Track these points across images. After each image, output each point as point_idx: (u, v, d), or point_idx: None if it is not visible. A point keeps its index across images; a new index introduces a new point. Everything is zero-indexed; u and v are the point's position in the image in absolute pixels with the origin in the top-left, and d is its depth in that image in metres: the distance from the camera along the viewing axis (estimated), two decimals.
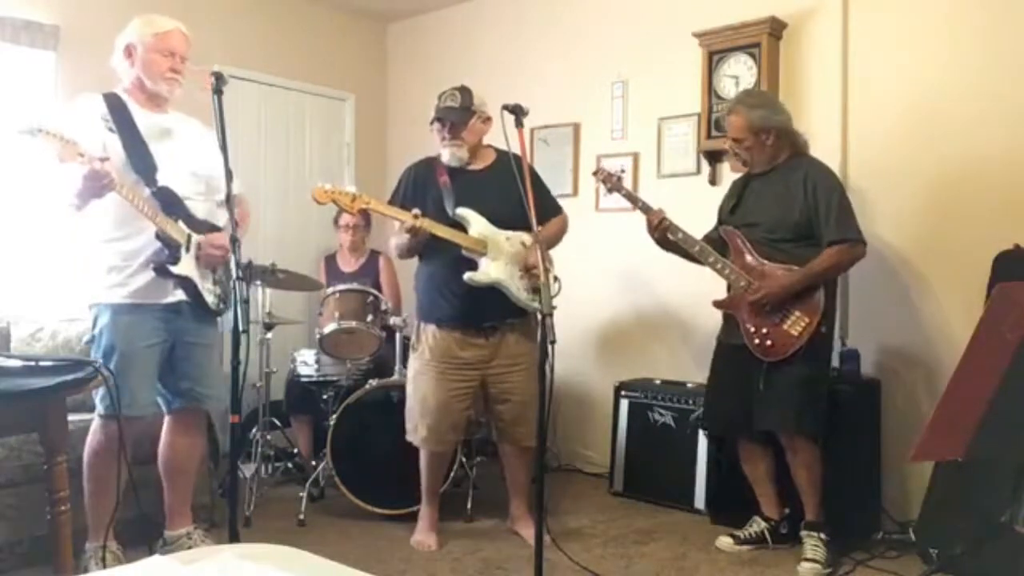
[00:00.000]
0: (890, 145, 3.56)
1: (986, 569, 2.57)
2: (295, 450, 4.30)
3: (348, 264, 4.61)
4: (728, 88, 3.84)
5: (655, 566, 3.12)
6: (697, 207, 3.53)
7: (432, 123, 3.30)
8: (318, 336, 3.84)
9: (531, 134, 4.57)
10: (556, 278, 3.33)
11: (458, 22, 5.17)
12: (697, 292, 3.43)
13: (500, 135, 2.70)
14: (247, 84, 4.76)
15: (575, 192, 4.55)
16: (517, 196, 2.66)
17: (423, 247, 3.26)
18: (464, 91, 3.27)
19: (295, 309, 4.69)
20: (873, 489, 3.44)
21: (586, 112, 4.57)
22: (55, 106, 3.89)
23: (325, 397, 3.94)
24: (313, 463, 4.01)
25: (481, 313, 3.21)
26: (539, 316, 2.51)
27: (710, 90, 3.91)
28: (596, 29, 4.52)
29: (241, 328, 2.41)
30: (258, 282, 3.79)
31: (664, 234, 3.24)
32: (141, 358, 2.71)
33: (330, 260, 4.67)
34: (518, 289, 3.19)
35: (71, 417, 2.32)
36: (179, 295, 2.78)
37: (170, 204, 2.73)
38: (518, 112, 2.71)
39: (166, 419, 2.93)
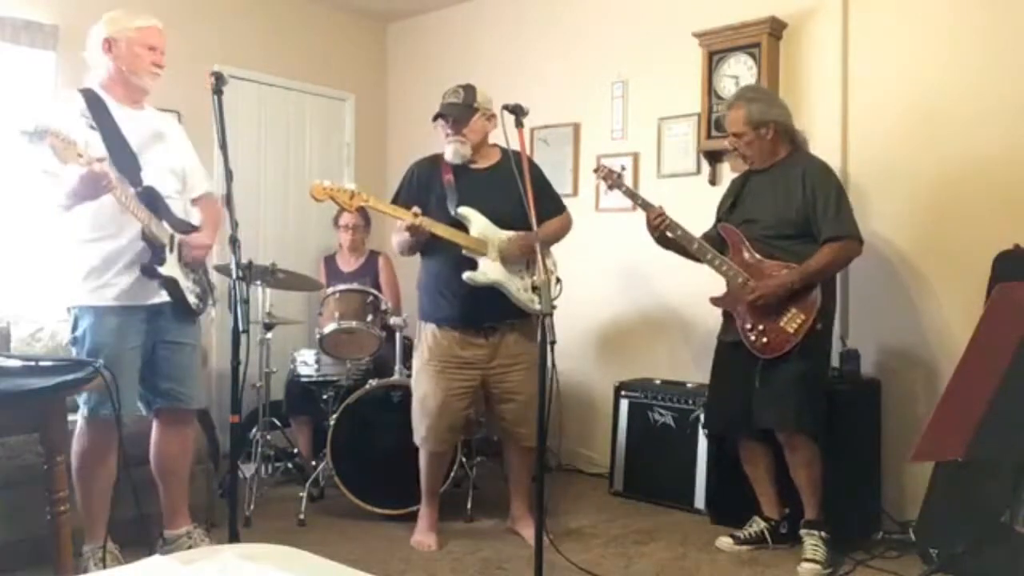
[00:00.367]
0: (890, 145, 3.56)
1: (986, 569, 2.57)
2: (295, 450, 4.30)
3: (348, 264, 4.61)
4: (728, 88, 3.84)
5: (655, 566, 3.12)
6: (697, 207, 3.53)
7: (435, 119, 3.29)
8: (318, 336, 3.84)
9: (531, 134, 4.57)
10: (558, 279, 3.34)
11: (458, 22, 5.17)
12: (697, 292, 3.43)
13: (501, 135, 2.70)
14: (247, 84, 4.76)
15: (575, 192, 4.55)
16: (519, 197, 2.66)
17: (425, 246, 3.26)
18: (468, 88, 3.26)
19: (295, 309, 4.69)
20: (873, 489, 3.44)
21: (586, 112, 4.57)
22: (38, 104, 3.87)
23: (325, 397, 3.94)
24: (313, 463, 4.01)
25: (481, 313, 3.21)
26: (539, 317, 2.51)
27: (710, 90, 3.91)
28: (596, 29, 4.52)
29: (241, 328, 2.41)
30: (258, 282, 3.79)
31: (663, 231, 3.24)
32: (126, 360, 2.67)
33: (330, 260, 4.67)
34: (517, 289, 3.19)
35: (71, 417, 2.32)
36: (163, 296, 2.75)
37: (154, 203, 2.70)
38: (518, 112, 2.72)
39: (154, 422, 2.91)
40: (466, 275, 3.10)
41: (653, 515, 3.73)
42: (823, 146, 3.45)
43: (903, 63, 3.53)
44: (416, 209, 3.09)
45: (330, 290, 3.92)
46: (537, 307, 3.09)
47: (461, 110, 3.22)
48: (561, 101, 4.58)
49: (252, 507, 3.57)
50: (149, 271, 2.68)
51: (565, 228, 3.43)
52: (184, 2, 4.48)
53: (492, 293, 3.15)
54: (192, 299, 2.83)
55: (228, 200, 2.52)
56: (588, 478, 4.33)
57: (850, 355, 3.43)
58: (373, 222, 4.63)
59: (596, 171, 3.54)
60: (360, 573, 1.49)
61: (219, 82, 2.54)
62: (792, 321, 3.02)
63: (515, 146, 2.75)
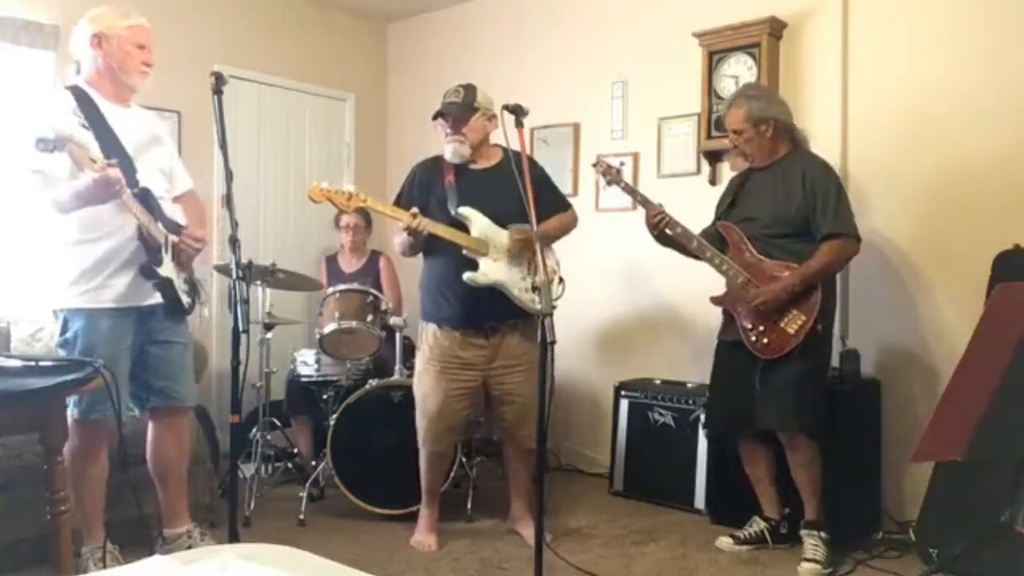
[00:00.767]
0: (890, 145, 3.56)
1: (986, 569, 2.57)
2: (295, 450, 4.30)
3: (349, 264, 4.61)
4: (728, 88, 3.84)
5: (655, 566, 3.12)
6: (697, 207, 3.53)
7: (435, 118, 3.29)
8: (318, 336, 3.84)
9: (531, 134, 4.57)
10: (561, 280, 3.34)
11: (458, 22, 5.17)
12: (697, 291, 3.43)
13: (501, 135, 2.70)
14: (247, 84, 4.76)
15: (575, 192, 4.55)
16: (520, 196, 2.66)
17: (427, 246, 3.26)
18: (469, 88, 3.26)
19: (295, 309, 4.69)
20: (873, 489, 3.45)
21: (586, 112, 4.57)
22: (29, 104, 3.86)
23: (325, 397, 3.94)
24: (313, 463, 4.01)
25: (482, 314, 3.21)
26: (539, 317, 2.51)
27: (710, 90, 3.91)
28: (596, 29, 4.52)
29: (241, 328, 2.40)
30: (258, 282, 3.79)
31: (662, 229, 3.24)
32: (117, 362, 2.64)
33: (331, 260, 4.68)
34: (519, 290, 3.18)
35: None
36: (156, 297, 2.74)
37: (149, 204, 2.69)
38: (518, 112, 2.71)
39: (150, 422, 2.90)
40: (466, 276, 3.10)
41: (653, 515, 3.73)
42: (823, 146, 3.45)
43: (903, 63, 3.53)
44: (414, 210, 3.09)
45: (330, 290, 3.92)
46: (538, 307, 3.09)
47: (461, 109, 3.22)
48: (561, 101, 4.58)
49: (252, 507, 3.57)
50: (148, 272, 2.67)
51: (568, 225, 3.42)
52: (184, 2, 4.48)
53: (493, 293, 3.15)
54: (184, 298, 2.83)
55: (228, 200, 2.51)
56: (588, 478, 4.33)
57: (850, 355, 3.43)
58: (374, 223, 4.63)
59: (595, 165, 3.52)
60: (360, 573, 1.49)
61: (219, 82, 2.53)
62: (793, 322, 3.02)
63: (515, 146, 2.75)
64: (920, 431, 1.95)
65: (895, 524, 3.37)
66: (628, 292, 4.39)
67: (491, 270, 3.14)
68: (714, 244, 3.22)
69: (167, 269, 2.72)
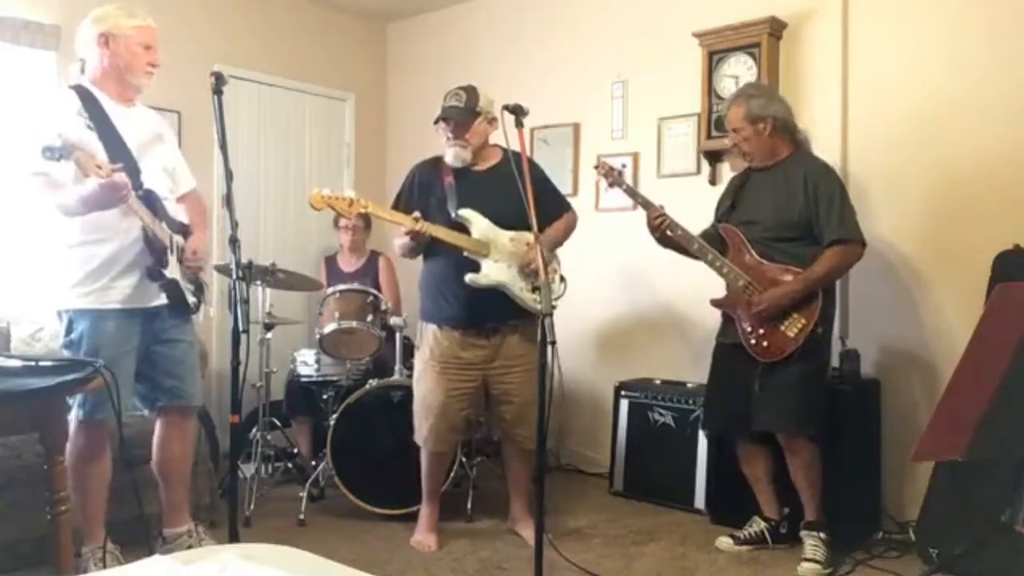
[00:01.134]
0: (890, 145, 3.56)
1: (986, 569, 2.58)
2: (295, 450, 4.30)
3: (348, 264, 4.61)
4: (728, 88, 3.84)
5: (655, 566, 3.12)
6: (697, 207, 3.53)
7: (436, 122, 3.29)
8: (318, 336, 3.84)
9: (531, 134, 4.57)
10: (563, 278, 3.34)
11: (458, 22, 5.17)
12: (697, 292, 3.43)
13: (501, 135, 2.70)
14: (247, 84, 4.76)
15: (575, 192, 4.55)
16: (520, 198, 2.66)
17: (427, 247, 3.26)
18: (470, 91, 3.25)
19: (295, 309, 4.69)
20: (873, 489, 3.44)
21: (586, 112, 4.57)
22: (33, 104, 3.86)
23: (325, 397, 3.94)
24: (313, 463, 4.01)
25: (482, 314, 3.21)
26: (539, 317, 2.51)
27: (710, 90, 3.91)
28: (596, 29, 4.52)
29: (241, 328, 2.40)
30: (258, 282, 3.78)
31: (663, 231, 3.23)
32: (121, 364, 2.64)
33: (330, 260, 4.68)
34: (520, 290, 3.19)
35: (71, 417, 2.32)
36: (162, 299, 2.74)
37: (153, 206, 2.69)
38: (518, 112, 2.71)
39: (157, 420, 2.90)
40: (468, 277, 3.10)
41: (653, 515, 3.73)
42: (823, 146, 3.45)
43: (903, 63, 3.53)
44: (416, 214, 3.09)
45: (330, 290, 3.92)
46: (539, 307, 3.09)
47: (463, 114, 3.22)
48: (561, 101, 4.58)
49: (252, 507, 3.57)
50: (154, 274, 2.68)
51: (572, 226, 3.43)
52: (184, 2, 4.48)
53: (494, 294, 3.15)
54: (190, 298, 2.84)
55: (228, 200, 2.51)
56: (588, 478, 4.33)
57: (850, 355, 3.43)
58: (373, 223, 4.62)
59: (597, 167, 3.52)
60: (360, 573, 1.49)
61: (219, 82, 2.53)
62: (793, 326, 3.02)
63: (515, 146, 2.75)
64: (920, 431, 1.95)
65: (895, 524, 3.37)
66: (628, 292, 4.39)
67: (492, 271, 3.14)
68: (714, 246, 3.22)
69: (172, 270, 2.73)
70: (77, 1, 4.04)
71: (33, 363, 2.30)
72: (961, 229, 3.37)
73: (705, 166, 4.07)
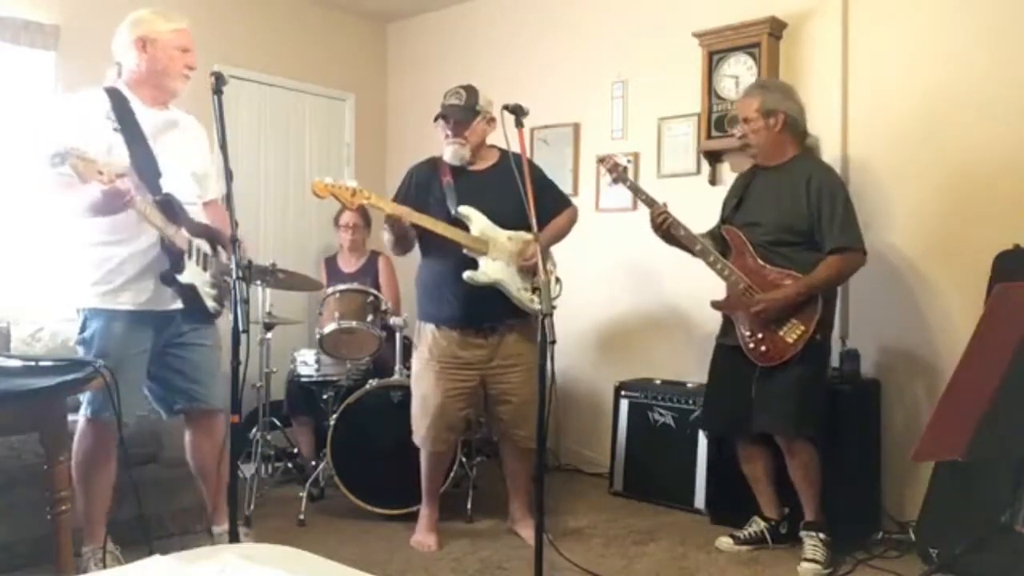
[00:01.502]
0: (890, 145, 3.55)
1: (986, 569, 2.57)
2: (295, 450, 4.30)
3: (348, 264, 4.61)
4: (728, 88, 3.84)
5: (655, 566, 3.12)
6: (697, 207, 3.52)
7: (436, 120, 3.29)
8: (318, 336, 3.83)
9: (531, 134, 4.57)
10: (558, 279, 3.34)
11: (458, 22, 5.17)
12: (697, 292, 3.43)
13: (501, 135, 2.70)
14: (247, 84, 4.76)
15: (575, 192, 4.55)
16: (519, 197, 2.65)
17: (425, 246, 3.26)
18: (470, 90, 3.26)
19: (295, 309, 4.68)
20: (873, 489, 3.44)
21: (586, 112, 4.57)
22: (54, 100, 3.85)
23: (325, 397, 3.94)
24: (313, 463, 4.01)
25: (480, 313, 3.21)
26: (539, 317, 2.51)
27: (710, 90, 3.91)
28: (596, 29, 4.52)
29: (241, 328, 2.40)
30: (258, 282, 3.78)
31: (667, 230, 3.24)
32: (131, 364, 2.66)
33: (330, 260, 4.68)
34: (518, 289, 3.19)
35: (71, 417, 2.32)
36: (177, 304, 2.74)
37: (173, 211, 2.69)
38: (518, 112, 2.71)
39: (185, 424, 2.94)
40: (466, 274, 3.10)
41: (653, 515, 3.73)
42: (823, 146, 3.44)
43: (903, 63, 3.53)
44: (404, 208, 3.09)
45: (330, 290, 3.92)
46: (536, 306, 3.09)
47: (463, 113, 3.22)
48: (561, 101, 4.58)
49: (252, 507, 3.57)
50: (168, 279, 2.67)
51: (572, 222, 3.44)
52: (184, 2, 4.47)
53: (492, 293, 3.15)
54: (211, 303, 2.82)
55: (228, 200, 2.51)
56: (588, 478, 4.33)
57: (850, 355, 3.43)
58: (373, 222, 4.63)
59: (602, 161, 3.49)
60: (360, 573, 1.49)
61: (219, 82, 2.53)
62: (792, 331, 3.02)
63: (515, 146, 2.75)
64: (920, 431, 1.95)
65: (895, 524, 3.37)
66: (628, 292, 4.39)
67: (491, 268, 3.14)
68: (718, 246, 3.22)
69: (190, 275, 2.71)
70: (77, 1, 4.07)
71: (33, 363, 2.30)
72: (961, 229, 3.37)
73: (705, 166, 4.07)
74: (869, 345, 3.53)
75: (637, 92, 4.37)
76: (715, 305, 3.25)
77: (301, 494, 3.63)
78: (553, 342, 2.42)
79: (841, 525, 3.13)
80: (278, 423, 4.18)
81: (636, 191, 3.37)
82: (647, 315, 4.34)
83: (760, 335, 3.07)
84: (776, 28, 3.78)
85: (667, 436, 3.86)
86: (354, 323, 3.76)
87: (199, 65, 2.82)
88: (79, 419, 2.70)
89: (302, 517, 3.54)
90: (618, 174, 3.38)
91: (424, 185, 3.30)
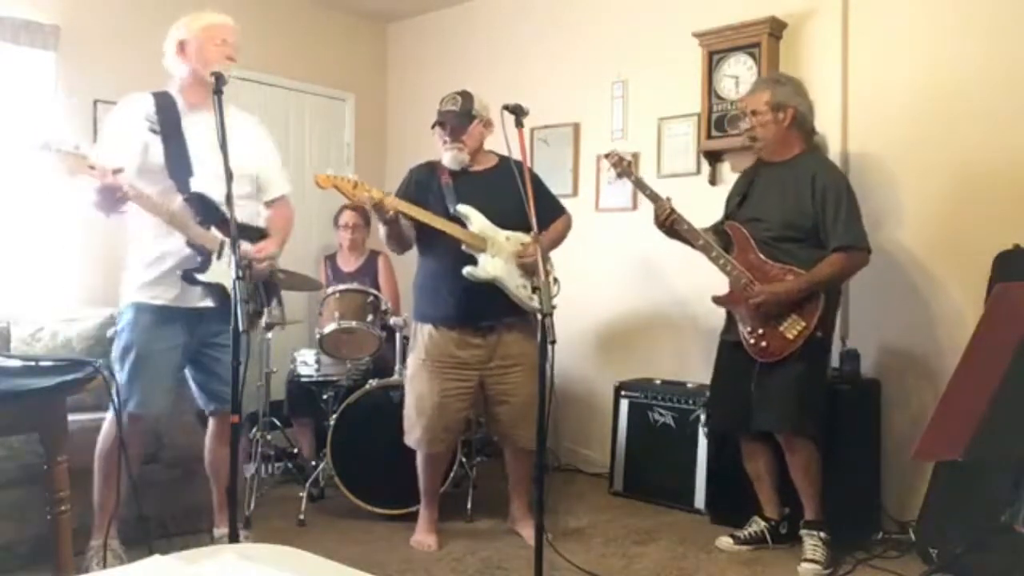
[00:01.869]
0: (890, 145, 3.56)
1: (986, 569, 2.57)
2: (295, 450, 4.30)
3: (348, 264, 4.61)
4: (728, 88, 3.84)
5: (655, 566, 3.12)
6: (697, 207, 3.51)
7: (433, 127, 3.31)
8: (318, 336, 3.83)
9: (531, 134, 4.57)
10: (556, 279, 3.34)
11: (458, 22, 5.17)
12: (698, 292, 3.43)
13: (501, 136, 2.70)
14: (247, 84, 4.75)
15: (575, 192, 4.55)
16: (518, 198, 2.66)
17: (422, 244, 3.27)
18: (465, 95, 3.28)
19: (295, 309, 4.67)
20: (873, 489, 3.44)
21: (586, 112, 4.57)
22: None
23: (325, 397, 3.94)
24: (313, 463, 4.01)
25: (479, 313, 3.21)
26: (539, 316, 2.51)
27: (710, 90, 3.91)
28: (596, 29, 4.52)
29: (241, 328, 2.40)
30: (258, 282, 3.77)
31: (671, 226, 3.23)
32: (156, 359, 2.72)
33: (330, 260, 4.67)
34: (516, 287, 3.19)
35: (71, 417, 2.32)
36: (207, 302, 2.77)
37: (204, 210, 2.71)
38: (518, 112, 2.71)
39: (209, 423, 2.98)
40: (466, 270, 3.11)
41: (653, 515, 3.73)
42: None
43: (903, 63, 3.53)
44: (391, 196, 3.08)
45: (330, 290, 3.92)
46: (535, 304, 3.09)
47: (460, 118, 3.24)
48: (561, 101, 4.58)
49: (252, 507, 3.57)
50: (189, 278, 2.71)
51: (567, 230, 3.46)
52: (184, 2, 4.47)
53: (490, 291, 3.15)
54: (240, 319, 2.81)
55: (228, 200, 2.51)
56: (588, 478, 4.33)
57: (850, 355, 3.43)
58: (373, 222, 4.62)
59: (607, 156, 3.46)
60: (360, 573, 1.49)
61: (219, 82, 2.53)
62: (792, 327, 3.02)
63: (515, 146, 2.75)
64: (920, 431, 1.95)
65: (895, 524, 3.37)
66: (628, 292, 4.39)
67: (490, 265, 3.14)
68: (722, 242, 3.21)
69: (215, 276, 2.72)
70: (77, 1, 4.07)
71: (33, 363, 2.30)
72: (961, 229, 3.37)
73: (705, 166, 4.07)
74: (869, 345, 3.53)
75: (637, 92, 4.37)
76: (716, 300, 3.25)
77: (301, 494, 3.63)
78: (553, 342, 2.42)
79: (841, 525, 3.13)
80: (278, 423, 4.18)
81: (641, 186, 3.37)
82: (647, 315, 4.34)
83: (761, 331, 3.07)
84: (776, 28, 3.78)
85: (667, 436, 3.86)
86: (354, 323, 3.76)
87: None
88: (109, 410, 2.74)
89: (302, 517, 3.54)
90: (623, 168, 3.37)
91: (424, 184, 3.31)
